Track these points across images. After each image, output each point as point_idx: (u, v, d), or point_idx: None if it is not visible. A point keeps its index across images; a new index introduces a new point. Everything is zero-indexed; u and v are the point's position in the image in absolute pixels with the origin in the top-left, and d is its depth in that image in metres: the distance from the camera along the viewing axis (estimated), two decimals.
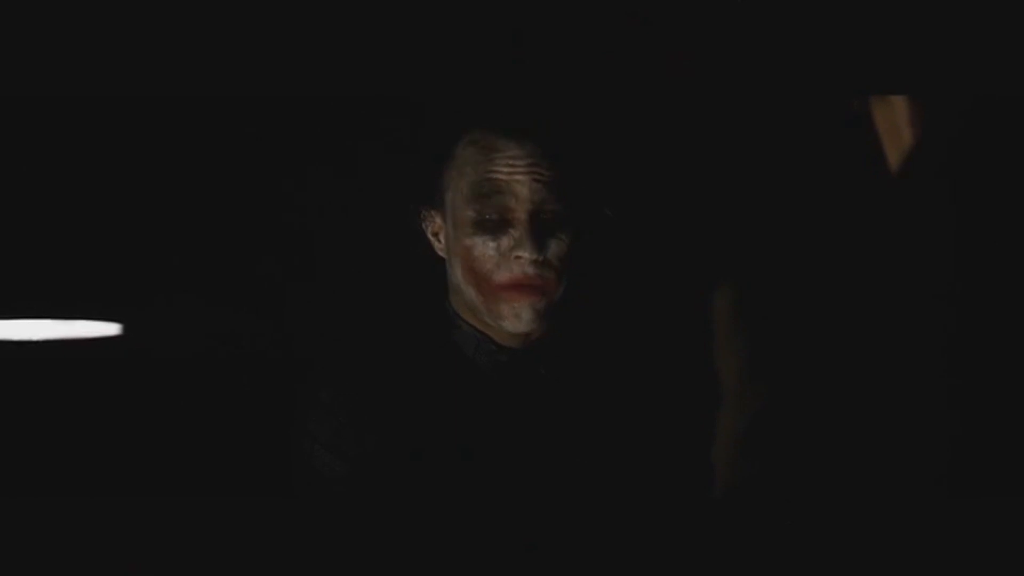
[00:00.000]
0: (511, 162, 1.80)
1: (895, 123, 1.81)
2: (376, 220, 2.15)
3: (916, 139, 1.79)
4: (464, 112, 1.85)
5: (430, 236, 1.91)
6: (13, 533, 2.05)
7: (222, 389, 2.21)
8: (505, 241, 1.81)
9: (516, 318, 1.81)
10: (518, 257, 1.80)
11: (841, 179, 1.82)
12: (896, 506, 1.78)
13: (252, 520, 2.04)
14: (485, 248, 1.81)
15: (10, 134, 2.11)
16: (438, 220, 1.89)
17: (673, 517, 1.83)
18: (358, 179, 2.20)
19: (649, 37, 1.82)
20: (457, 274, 1.85)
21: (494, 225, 1.81)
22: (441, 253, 1.90)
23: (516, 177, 1.80)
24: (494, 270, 1.81)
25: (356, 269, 2.22)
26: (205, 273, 2.23)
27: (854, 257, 1.81)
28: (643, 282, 2.08)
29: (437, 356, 1.88)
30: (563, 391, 1.88)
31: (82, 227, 2.19)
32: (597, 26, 1.84)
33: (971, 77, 1.75)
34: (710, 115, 1.93)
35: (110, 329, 2.20)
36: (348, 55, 1.86)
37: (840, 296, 1.82)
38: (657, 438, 1.87)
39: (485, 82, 1.86)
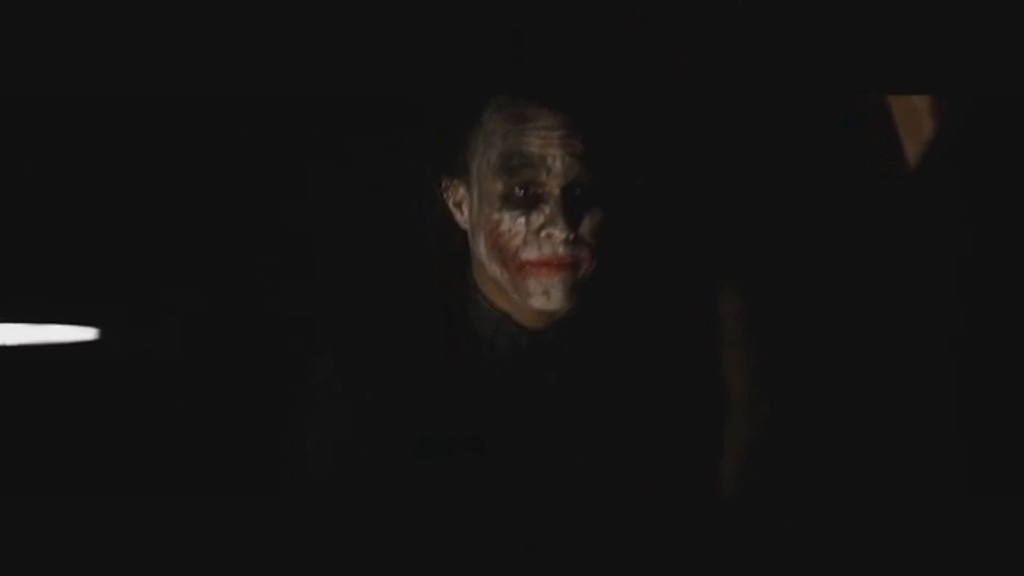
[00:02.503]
0: (544, 133, 1.71)
1: (915, 114, 1.77)
2: (384, 204, 2.11)
3: (938, 131, 1.75)
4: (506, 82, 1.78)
5: (452, 206, 1.83)
6: None
7: (206, 389, 2.19)
8: (535, 217, 1.73)
9: (545, 295, 1.74)
10: (549, 235, 1.72)
11: (854, 177, 1.80)
12: (907, 512, 1.76)
13: (236, 522, 2.03)
14: (513, 224, 1.73)
15: None
16: (461, 190, 1.81)
17: (676, 519, 1.81)
18: (361, 167, 2.17)
19: (649, 37, 1.82)
20: (481, 248, 1.78)
21: (524, 200, 1.73)
22: (464, 225, 1.82)
23: (550, 150, 1.71)
24: (522, 247, 1.73)
25: (364, 255, 2.19)
26: (184, 275, 2.21)
27: (867, 259, 1.78)
28: (647, 285, 2.05)
29: (453, 336, 1.82)
30: (584, 377, 1.82)
31: (58, 229, 2.16)
32: (597, 26, 1.83)
33: (975, 76, 1.74)
34: (716, 115, 1.92)
35: (85, 333, 2.17)
36: (348, 55, 1.86)
37: (853, 300, 1.79)
38: (664, 441, 1.83)
39: (485, 82, 1.85)
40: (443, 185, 1.83)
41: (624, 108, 1.81)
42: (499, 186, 1.73)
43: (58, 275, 2.15)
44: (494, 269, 1.77)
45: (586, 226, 1.72)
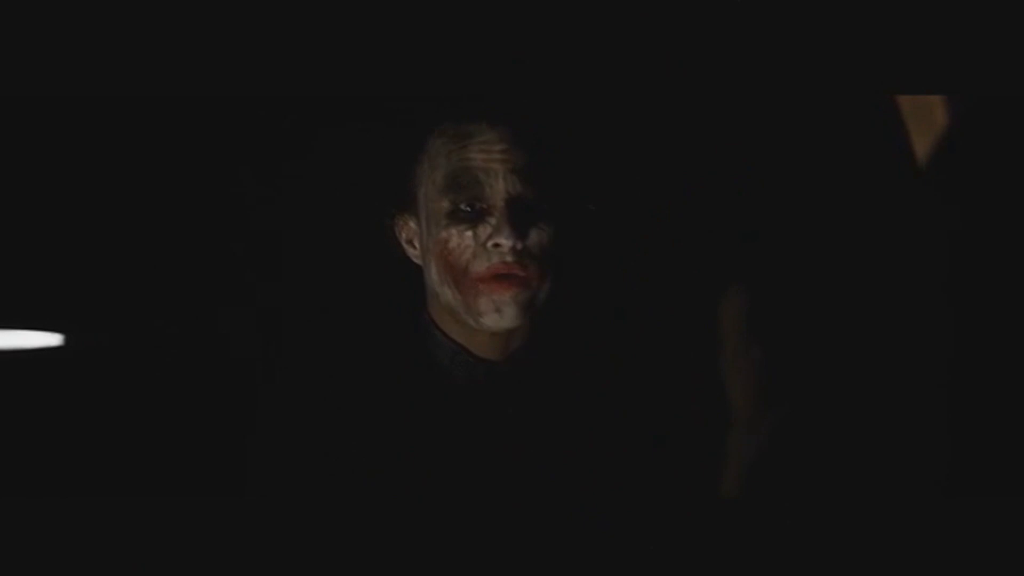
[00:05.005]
0: (486, 147, 1.71)
1: (926, 103, 1.76)
2: (351, 224, 2.10)
3: (951, 120, 1.75)
4: (443, 109, 1.79)
5: (404, 244, 1.82)
6: None
7: (172, 396, 2.15)
8: (482, 230, 1.71)
9: (498, 312, 1.72)
10: (496, 245, 1.70)
11: (863, 174, 1.79)
12: (907, 511, 1.76)
13: (213, 522, 1.98)
14: (461, 239, 1.72)
15: None
16: (411, 224, 1.80)
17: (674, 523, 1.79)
18: (332, 182, 2.16)
19: (649, 37, 1.81)
20: (433, 275, 1.76)
21: (470, 215, 1.72)
22: (417, 260, 1.81)
23: (492, 165, 1.71)
24: (471, 260, 1.72)
25: (328, 275, 2.17)
26: (154, 280, 2.18)
27: (876, 260, 1.77)
28: (642, 291, 2.03)
29: (411, 368, 1.79)
30: (545, 412, 1.79)
31: (25, 232, 2.12)
32: (597, 26, 1.82)
33: (979, 75, 1.75)
34: (720, 113, 1.91)
35: (52, 339, 2.14)
36: (344, 55, 1.83)
37: (862, 304, 1.77)
38: (654, 469, 1.78)
39: (485, 82, 1.84)
40: (396, 223, 1.82)
41: (575, 124, 1.81)
42: (445, 204, 1.73)
43: (28, 276, 2.12)
44: (446, 294, 1.75)
45: (534, 239, 1.72)
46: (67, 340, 2.16)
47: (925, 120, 1.76)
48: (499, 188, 1.71)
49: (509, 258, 1.70)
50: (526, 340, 1.79)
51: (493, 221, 1.71)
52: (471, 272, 1.72)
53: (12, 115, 2.05)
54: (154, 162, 2.14)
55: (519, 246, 1.70)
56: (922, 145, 1.76)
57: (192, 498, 2.00)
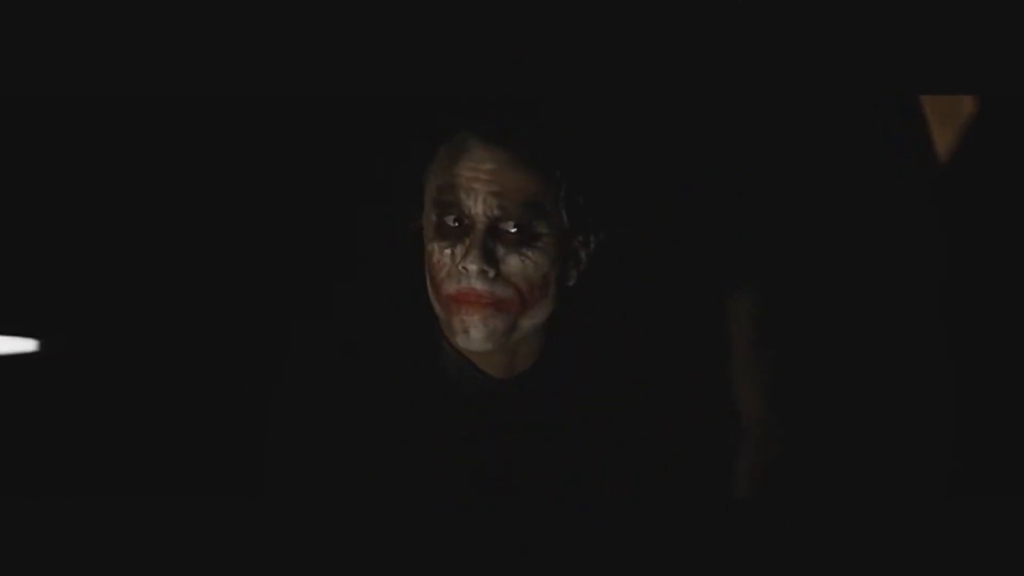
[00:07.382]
0: (473, 166, 1.68)
1: (951, 104, 1.74)
2: (372, 227, 2.08)
3: (977, 108, 1.72)
4: (454, 115, 1.76)
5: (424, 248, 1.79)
6: None
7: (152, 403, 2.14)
8: (459, 250, 1.69)
9: (465, 333, 1.69)
10: (465, 268, 1.68)
11: (870, 172, 1.78)
12: (912, 515, 1.76)
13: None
14: (441, 255, 1.70)
15: None
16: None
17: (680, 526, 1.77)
18: (351, 183, 2.14)
19: (649, 37, 1.80)
20: (427, 285, 1.75)
21: (455, 232, 1.70)
22: None
23: (475, 184, 1.68)
24: (445, 279, 1.70)
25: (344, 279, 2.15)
26: (128, 286, 2.15)
27: (884, 260, 1.76)
28: (651, 299, 1.99)
29: (420, 379, 1.77)
30: (554, 432, 1.77)
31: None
32: (597, 26, 1.81)
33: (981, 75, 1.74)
34: (722, 113, 1.91)
35: (27, 345, 2.12)
36: (347, 55, 1.81)
37: (878, 307, 1.76)
38: (666, 486, 1.77)
39: (485, 83, 1.82)
40: (416, 227, 1.80)
41: (586, 147, 1.77)
42: (433, 218, 1.72)
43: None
44: (436, 306, 1.74)
45: (513, 266, 1.69)
46: (43, 345, 2.13)
47: (950, 114, 1.75)
48: (478, 210, 1.69)
49: (477, 284, 1.68)
50: (536, 360, 1.77)
51: (468, 242, 1.69)
52: (443, 290, 1.71)
53: None
54: (182, 160, 2.12)
55: (490, 272, 1.68)
56: (944, 138, 1.74)
57: (177, 498, 1.98)
